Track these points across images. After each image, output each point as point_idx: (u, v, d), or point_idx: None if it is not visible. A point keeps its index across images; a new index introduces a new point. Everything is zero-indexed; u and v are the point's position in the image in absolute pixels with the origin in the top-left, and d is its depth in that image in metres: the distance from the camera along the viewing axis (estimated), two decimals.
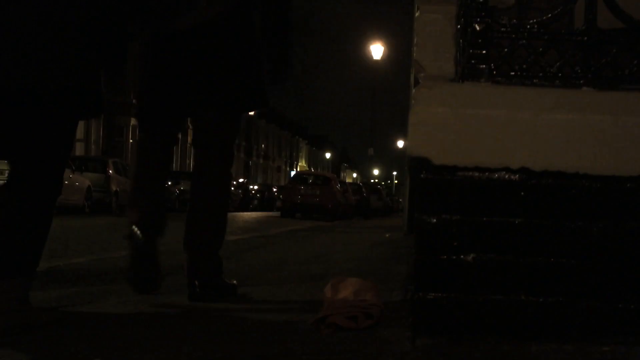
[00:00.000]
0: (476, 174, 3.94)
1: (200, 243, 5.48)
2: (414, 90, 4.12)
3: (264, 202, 60.42)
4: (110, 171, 35.54)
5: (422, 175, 3.94)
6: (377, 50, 52.28)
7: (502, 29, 4.07)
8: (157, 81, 5.35)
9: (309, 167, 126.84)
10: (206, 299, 5.38)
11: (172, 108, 5.41)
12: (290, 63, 5.54)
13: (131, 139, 56.41)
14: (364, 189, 56.12)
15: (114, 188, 35.07)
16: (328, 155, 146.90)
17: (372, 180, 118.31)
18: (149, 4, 5.07)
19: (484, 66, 4.04)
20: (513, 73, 4.08)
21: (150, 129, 5.53)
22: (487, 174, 3.94)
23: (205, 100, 5.28)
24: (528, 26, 4.07)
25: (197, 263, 5.47)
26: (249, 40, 5.26)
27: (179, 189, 44.66)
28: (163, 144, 5.53)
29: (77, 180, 30.85)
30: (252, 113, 77.30)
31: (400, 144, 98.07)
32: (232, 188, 46.87)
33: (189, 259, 5.50)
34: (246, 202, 53.35)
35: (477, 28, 4.02)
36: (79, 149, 47.92)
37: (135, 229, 5.53)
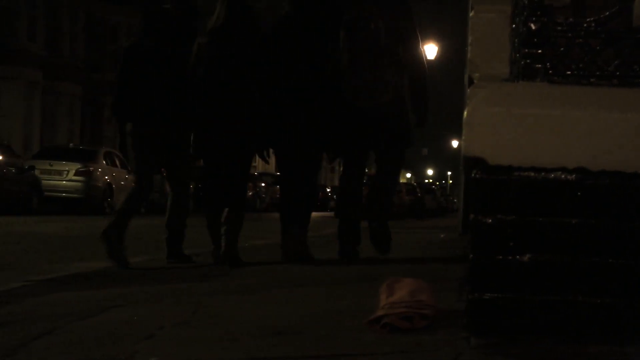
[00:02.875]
0: (532, 174, 3.92)
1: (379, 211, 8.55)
2: (468, 90, 4.10)
3: (318, 202, 60.51)
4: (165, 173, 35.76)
5: (477, 175, 3.92)
6: (430, 50, 52.10)
7: (558, 27, 4.04)
8: (361, 132, 8.27)
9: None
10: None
11: (370, 147, 8.49)
12: (428, 113, 8.40)
13: None
14: (418, 189, 55.93)
15: (168, 189, 35.28)
16: None
17: (426, 181, 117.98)
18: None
19: (540, 65, 4.01)
20: (569, 72, 4.05)
21: (354, 160, 8.51)
22: (543, 174, 3.91)
23: (390, 142, 8.34)
24: (585, 25, 4.04)
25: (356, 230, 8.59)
26: (405, 106, 8.29)
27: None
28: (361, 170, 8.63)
29: (133, 181, 31.12)
30: None
31: (454, 143, 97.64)
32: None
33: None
34: None
35: (533, 27, 4.00)
36: None
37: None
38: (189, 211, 9.09)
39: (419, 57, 8.20)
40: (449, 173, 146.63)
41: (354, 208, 8.46)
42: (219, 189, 8.22)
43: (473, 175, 3.93)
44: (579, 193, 3.90)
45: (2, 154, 24.78)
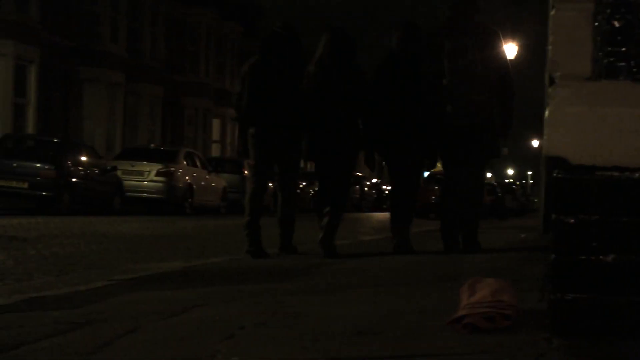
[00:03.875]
0: (615, 173, 3.87)
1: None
2: (549, 89, 4.06)
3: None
4: (246, 172, 35.94)
5: (559, 175, 3.88)
6: (510, 49, 51.70)
7: None
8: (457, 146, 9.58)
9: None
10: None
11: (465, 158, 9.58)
12: (512, 123, 9.60)
13: None
14: (498, 189, 55.46)
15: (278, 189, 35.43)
16: None
17: (506, 180, 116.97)
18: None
19: (623, 64, 3.96)
20: None
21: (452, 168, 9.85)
22: (626, 173, 3.86)
23: (481, 154, 9.66)
24: None
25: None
26: (494, 124, 9.49)
27: (314, 190, 44.89)
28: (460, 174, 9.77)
29: (213, 181, 31.33)
30: None
31: (535, 143, 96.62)
32: (366, 188, 47.25)
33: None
34: (379, 202, 53.35)
35: (617, 25, 3.94)
36: (214, 150, 48.64)
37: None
38: (297, 207, 10.32)
39: (508, 81, 9.56)
40: (529, 173, 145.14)
41: (459, 209, 9.70)
42: (327, 189, 9.71)
43: (555, 174, 3.89)
44: None
45: (85, 155, 25.14)
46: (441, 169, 10.12)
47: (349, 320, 4.65)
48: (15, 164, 22.89)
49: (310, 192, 43.57)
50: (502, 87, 9.50)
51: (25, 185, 22.68)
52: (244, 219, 9.87)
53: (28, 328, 4.84)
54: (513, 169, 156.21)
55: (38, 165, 22.98)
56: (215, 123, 49.81)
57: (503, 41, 9.67)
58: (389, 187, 10.82)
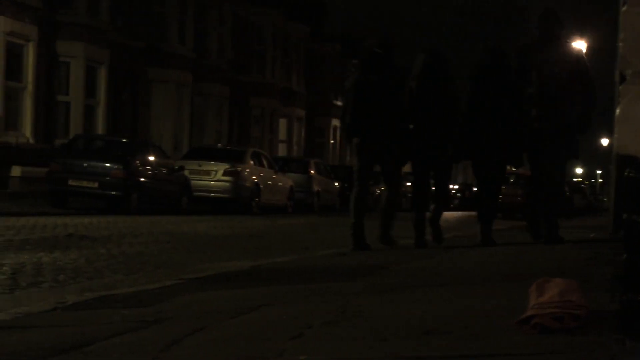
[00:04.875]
0: None
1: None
2: (620, 87, 4.02)
3: (464, 201, 60.01)
4: (312, 171, 36.00)
5: (630, 174, 3.83)
6: (579, 46, 51.18)
7: None
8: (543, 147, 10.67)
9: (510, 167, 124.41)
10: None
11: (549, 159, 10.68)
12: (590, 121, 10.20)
13: (332, 139, 57.02)
14: (567, 188, 54.92)
15: (315, 188, 35.50)
16: None
17: (574, 179, 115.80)
18: None
19: None
20: None
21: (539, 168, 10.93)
22: None
23: (563, 154, 10.78)
24: None
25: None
26: (575, 127, 10.41)
27: (381, 189, 44.83)
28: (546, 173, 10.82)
29: (280, 181, 31.43)
30: None
31: (604, 141, 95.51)
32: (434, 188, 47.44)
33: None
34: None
35: None
36: (281, 150, 48.78)
37: None
38: (397, 205, 11.20)
39: (590, 90, 10.18)
40: (599, 172, 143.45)
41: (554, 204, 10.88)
42: (426, 190, 11.14)
43: (626, 173, 3.84)
44: None
45: (153, 155, 25.36)
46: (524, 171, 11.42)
47: (416, 320, 4.64)
48: (85, 164, 23.16)
49: (376, 192, 43.55)
50: (584, 94, 10.32)
51: (95, 185, 22.94)
52: (350, 219, 10.73)
53: (100, 325, 4.90)
54: (582, 167, 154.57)
55: (108, 165, 23.23)
56: (282, 123, 49.94)
57: (585, 55, 10.84)
58: (455, 187, 12.28)
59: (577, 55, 10.63)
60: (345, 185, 40.21)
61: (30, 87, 27.77)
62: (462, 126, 11.00)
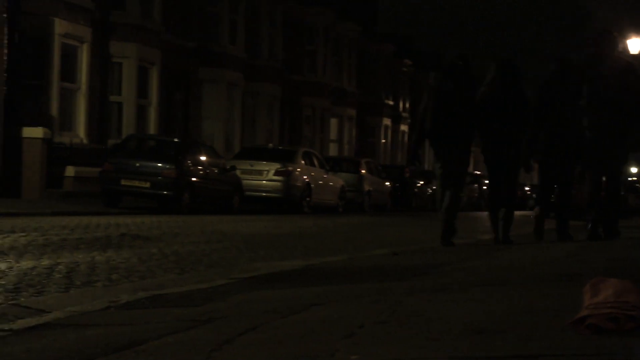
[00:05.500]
0: None
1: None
2: None
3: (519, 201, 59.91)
4: (363, 171, 35.98)
5: None
6: (634, 44, 50.62)
7: None
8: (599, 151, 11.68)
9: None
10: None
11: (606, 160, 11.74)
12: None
13: (383, 139, 56.95)
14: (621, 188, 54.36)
15: (366, 188, 35.47)
16: None
17: (629, 179, 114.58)
18: None
19: None
20: None
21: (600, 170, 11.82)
22: None
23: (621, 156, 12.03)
24: None
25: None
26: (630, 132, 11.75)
27: (432, 189, 44.69)
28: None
29: (331, 180, 31.44)
30: None
31: None
32: (485, 187, 47.15)
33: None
34: None
35: None
36: (332, 150, 48.80)
37: None
38: (460, 206, 12.08)
39: None
40: None
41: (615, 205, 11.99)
42: (500, 191, 11.86)
43: None
44: None
45: (205, 155, 25.48)
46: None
47: (468, 319, 4.61)
48: (138, 164, 23.33)
49: (428, 191, 43.54)
50: (638, 108, 11.54)
51: (148, 184, 23.09)
52: (439, 218, 11.70)
53: (152, 325, 4.93)
54: (636, 166, 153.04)
55: (159, 165, 23.38)
56: (333, 122, 49.95)
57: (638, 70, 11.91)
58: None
59: (631, 70, 11.61)
60: (397, 185, 40.17)
61: (84, 88, 28.02)
62: (531, 131, 11.79)
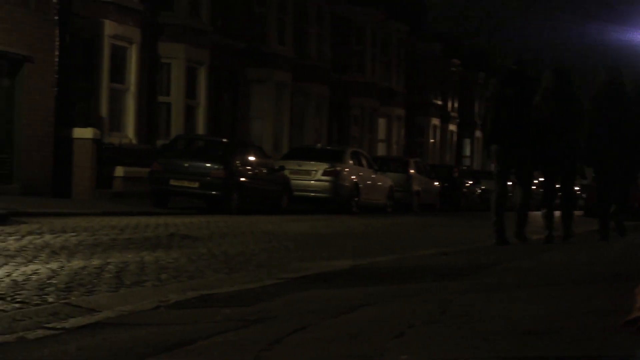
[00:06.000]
0: None
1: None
2: None
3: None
4: (412, 171, 35.88)
5: None
6: None
7: None
8: None
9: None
10: None
11: None
12: None
13: (432, 138, 56.79)
14: None
15: (415, 187, 35.37)
16: None
17: None
18: None
19: None
20: None
21: None
22: None
23: None
24: None
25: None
26: None
27: (481, 189, 44.52)
28: None
29: (379, 180, 31.39)
30: None
31: None
32: (534, 187, 47.16)
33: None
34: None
35: None
36: (380, 149, 48.72)
37: None
38: (530, 205, 12.56)
39: None
40: None
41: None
42: (553, 190, 12.50)
43: None
44: None
45: (253, 155, 25.55)
46: None
47: (518, 319, 4.59)
48: (186, 164, 23.43)
49: (477, 191, 43.40)
50: None
51: (196, 184, 23.18)
52: (492, 218, 11.94)
53: (201, 324, 4.95)
54: None
55: (208, 165, 23.45)
56: (381, 122, 49.84)
57: None
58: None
59: None
60: (445, 184, 40.02)
61: (133, 88, 28.20)
62: (586, 137, 12.23)
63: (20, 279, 7.57)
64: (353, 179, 29.09)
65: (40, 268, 8.36)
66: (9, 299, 6.51)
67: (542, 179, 12.76)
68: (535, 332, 4.23)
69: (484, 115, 13.14)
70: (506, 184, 12.11)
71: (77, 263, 8.96)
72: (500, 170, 12.05)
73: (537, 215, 14.05)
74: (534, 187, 15.58)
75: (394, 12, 49.59)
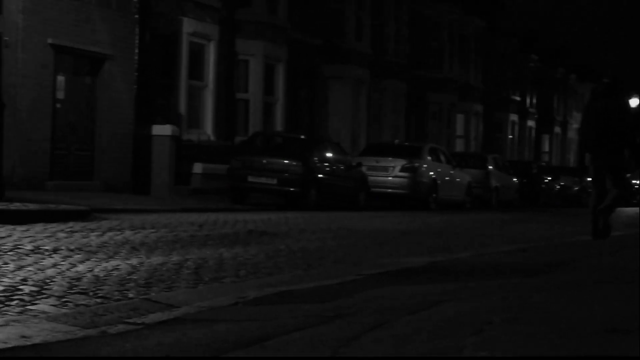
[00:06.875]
0: None
1: None
2: None
3: None
4: (490, 167, 35.64)
5: None
6: None
7: None
8: None
9: None
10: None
11: None
12: None
13: (510, 134, 56.35)
14: None
15: (493, 184, 35.12)
16: None
17: None
18: None
19: None
20: None
21: None
22: None
23: None
24: None
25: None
26: None
27: (560, 185, 44.10)
28: None
29: (458, 176, 31.23)
30: None
31: None
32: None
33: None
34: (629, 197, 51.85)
35: None
36: (458, 145, 48.46)
37: None
38: (618, 205, 13.47)
39: None
40: None
41: None
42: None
43: None
44: None
45: (331, 151, 25.57)
46: None
47: (600, 317, 4.52)
48: (265, 161, 23.52)
49: (556, 187, 43.01)
50: None
51: (274, 181, 23.27)
52: (590, 215, 12.86)
53: (280, 320, 4.96)
54: None
55: (286, 162, 23.52)
56: (460, 118, 49.59)
57: None
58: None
59: None
60: (524, 180, 39.67)
61: (211, 85, 28.41)
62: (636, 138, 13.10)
63: (101, 274, 7.67)
64: (431, 175, 28.98)
65: (121, 264, 8.47)
66: (91, 294, 6.61)
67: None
68: (618, 330, 4.17)
69: (580, 127, 13.97)
70: (602, 187, 13.03)
71: (156, 259, 9.05)
72: (595, 175, 13.14)
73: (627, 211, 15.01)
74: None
75: (470, 7, 49.30)
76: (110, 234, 11.78)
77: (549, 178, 43.99)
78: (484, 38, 52.11)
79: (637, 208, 35.57)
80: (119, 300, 6.37)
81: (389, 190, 28.18)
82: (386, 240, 13.17)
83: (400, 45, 42.12)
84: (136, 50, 24.22)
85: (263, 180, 23.31)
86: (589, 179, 13.88)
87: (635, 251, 9.55)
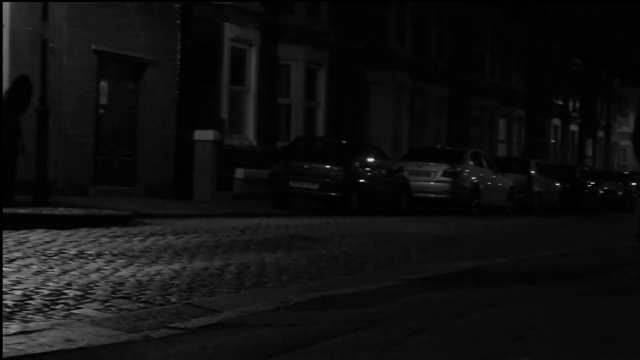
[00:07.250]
0: None
1: None
2: None
3: None
4: (533, 171, 35.44)
5: None
6: None
7: None
8: None
9: None
10: None
11: None
12: None
13: (553, 138, 56.02)
14: None
15: (536, 189, 34.93)
16: None
17: None
18: None
19: None
20: None
21: None
22: None
23: None
24: None
25: None
26: None
27: (603, 189, 43.79)
28: None
29: (500, 181, 31.09)
30: None
31: None
32: None
33: None
34: None
35: None
36: (501, 150, 48.25)
37: None
38: None
39: None
40: None
41: None
42: None
43: None
44: None
45: (373, 156, 25.54)
46: None
47: None
48: (306, 166, 23.53)
49: (599, 192, 42.75)
50: None
51: (316, 186, 23.27)
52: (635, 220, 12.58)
53: (322, 325, 4.97)
54: None
55: (328, 167, 23.52)
56: (502, 123, 49.36)
57: None
58: None
59: None
60: (567, 185, 39.42)
61: (252, 90, 28.48)
62: None
63: (144, 279, 7.71)
64: (473, 179, 28.87)
65: (163, 269, 8.51)
66: (134, 298, 6.65)
67: None
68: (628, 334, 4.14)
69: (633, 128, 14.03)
70: None
71: (198, 264, 9.09)
72: None
73: None
74: None
75: (513, 12, 49.12)
76: (152, 238, 11.85)
77: (592, 183, 43.69)
78: (526, 42, 51.89)
79: None
80: (161, 304, 6.41)
81: (431, 195, 28.08)
82: (427, 245, 13.14)
83: (442, 50, 42.03)
84: (178, 56, 24.34)
85: (304, 185, 23.32)
86: (633, 184, 13.98)
87: None
